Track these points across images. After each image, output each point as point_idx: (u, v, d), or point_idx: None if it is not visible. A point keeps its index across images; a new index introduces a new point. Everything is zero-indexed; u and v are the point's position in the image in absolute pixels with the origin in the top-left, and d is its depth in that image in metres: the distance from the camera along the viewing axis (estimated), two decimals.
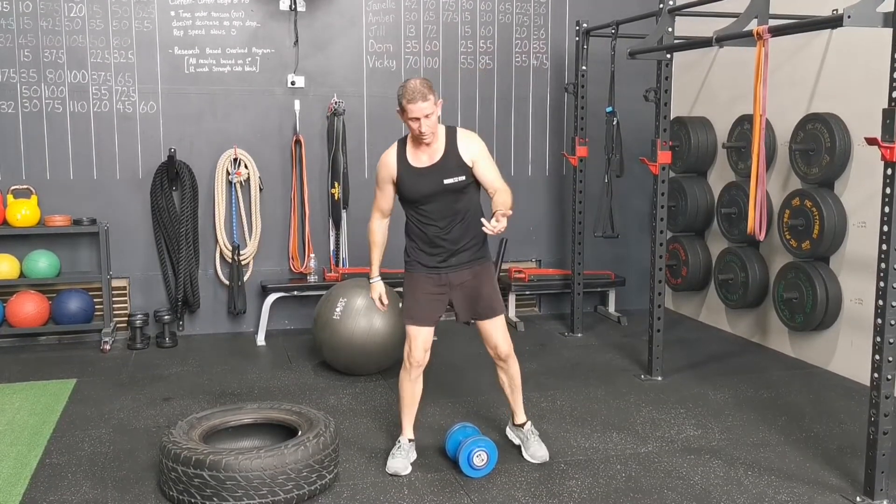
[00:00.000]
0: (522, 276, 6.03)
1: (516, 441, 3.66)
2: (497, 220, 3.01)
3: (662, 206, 4.69)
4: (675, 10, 4.44)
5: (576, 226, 5.71)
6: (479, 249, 3.44)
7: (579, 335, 5.75)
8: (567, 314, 5.96)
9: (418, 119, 3.18)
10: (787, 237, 4.92)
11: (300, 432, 3.32)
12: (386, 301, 3.62)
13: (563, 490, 3.31)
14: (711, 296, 5.92)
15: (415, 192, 3.33)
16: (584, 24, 5.49)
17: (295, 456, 3.12)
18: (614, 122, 5.25)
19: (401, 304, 3.64)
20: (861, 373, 4.59)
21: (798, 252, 4.87)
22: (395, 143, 3.41)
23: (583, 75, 5.54)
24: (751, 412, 4.20)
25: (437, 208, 3.33)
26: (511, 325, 5.95)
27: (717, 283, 5.63)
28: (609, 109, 5.23)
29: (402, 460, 3.45)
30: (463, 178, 3.30)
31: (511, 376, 3.57)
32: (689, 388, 4.57)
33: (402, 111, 3.22)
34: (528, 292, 6.15)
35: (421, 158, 3.32)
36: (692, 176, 5.99)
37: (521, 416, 3.65)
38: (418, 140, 3.27)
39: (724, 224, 5.57)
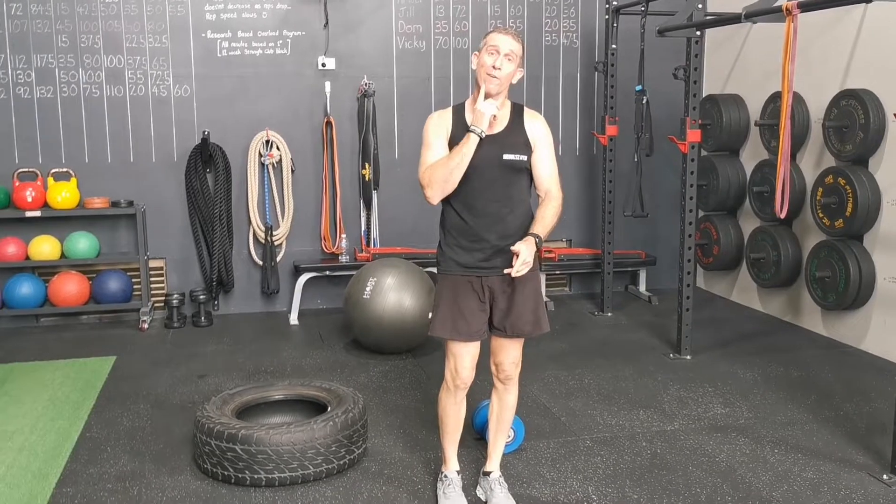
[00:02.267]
0: (552, 255, 6.04)
1: (480, 495, 3.06)
2: (519, 263, 2.62)
3: (692, 185, 4.66)
4: None
5: (605, 205, 5.70)
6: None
7: (609, 314, 5.76)
8: (597, 293, 5.97)
9: (498, 52, 2.69)
10: (820, 215, 4.87)
11: (329, 408, 3.40)
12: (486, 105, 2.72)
13: (588, 466, 3.34)
14: (743, 275, 5.88)
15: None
16: (614, 2, 5.44)
17: (324, 431, 3.20)
18: (644, 101, 5.21)
19: (430, 315, 3.00)
20: (895, 351, 4.55)
21: (831, 230, 4.81)
22: (451, 106, 2.90)
23: (612, 54, 5.51)
24: (780, 391, 4.18)
25: (487, 188, 2.79)
26: None
27: (749, 261, 5.59)
28: (638, 88, 5.20)
29: (457, 497, 2.97)
30: (524, 157, 2.80)
31: (505, 405, 3.02)
32: (718, 367, 4.56)
33: (482, 48, 2.74)
34: (557, 272, 6.17)
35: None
36: (724, 154, 5.93)
37: (493, 463, 3.06)
38: (484, 79, 2.72)
39: (755, 202, 5.52)
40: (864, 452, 3.43)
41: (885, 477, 3.19)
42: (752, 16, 3.64)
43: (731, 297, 6.13)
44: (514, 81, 2.79)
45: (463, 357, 2.87)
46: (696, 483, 3.18)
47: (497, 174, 2.77)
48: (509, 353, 2.94)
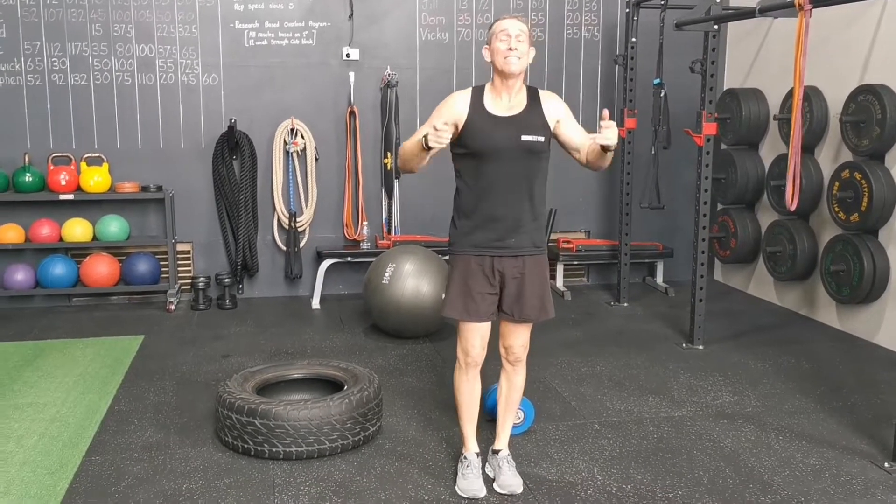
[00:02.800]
0: (570, 246, 6.13)
1: (489, 472, 3.15)
2: (605, 126, 2.64)
3: (707, 178, 4.72)
4: None
5: (623, 197, 5.77)
6: (540, 238, 2.97)
7: (625, 304, 5.83)
8: (614, 284, 6.04)
9: (509, 36, 2.77)
10: (836, 209, 4.90)
11: (346, 387, 3.53)
12: (443, 121, 2.80)
13: (595, 448, 3.44)
14: (760, 268, 5.92)
15: (486, 143, 2.83)
16: None
17: (340, 408, 3.33)
18: (662, 94, 5.26)
19: (443, 296, 3.11)
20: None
21: (846, 225, 4.85)
22: (470, 88, 2.96)
23: (632, 47, 5.57)
24: (789, 381, 4.25)
25: (505, 169, 2.84)
26: (559, 295, 6.08)
27: (766, 255, 5.63)
28: (657, 81, 5.26)
29: (475, 479, 3.03)
30: (542, 139, 2.86)
31: (513, 386, 3.12)
32: (729, 357, 4.63)
33: (490, 39, 2.84)
34: (575, 262, 6.25)
35: (499, 106, 2.87)
36: (743, 148, 5.97)
37: (502, 441, 3.16)
38: (503, 73, 2.82)
39: (773, 196, 5.56)
40: (869, 442, 3.50)
41: (886, 465, 3.26)
42: (765, 10, 3.70)
43: (748, 290, 6.18)
44: (530, 61, 2.87)
45: (473, 336, 2.97)
46: (699, 466, 3.27)
47: (515, 155, 2.84)
48: (518, 337, 3.04)
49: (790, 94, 5.36)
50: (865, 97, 4.68)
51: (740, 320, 5.43)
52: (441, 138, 2.70)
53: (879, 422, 3.68)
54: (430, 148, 2.75)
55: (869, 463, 3.30)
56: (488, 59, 2.88)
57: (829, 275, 4.97)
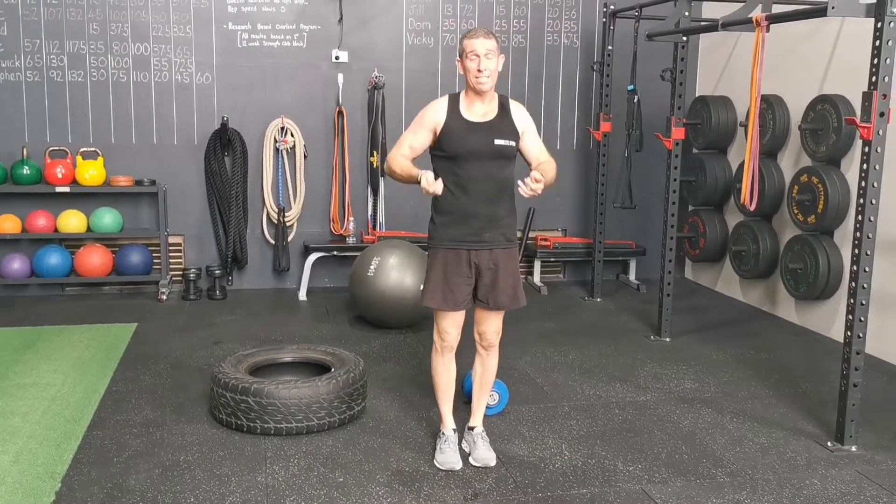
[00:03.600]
0: (547, 243, 6.41)
1: (465, 447, 3.38)
2: (533, 181, 2.91)
3: (675, 180, 5.01)
4: None
5: (598, 197, 6.05)
6: (511, 232, 3.22)
7: (598, 300, 6.12)
8: (589, 280, 6.32)
9: (477, 56, 3.00)
10: (795, 211, 5.21)
11: (333, 369, 3.78)
12: (440, 187, 3.01)
13: (564, 428, 3.71)
14: (727, 267, 6.23)
15: (462, 146, 3.06)
16: (611, 6, 5.80)
17: (327, 388, 3.58)
18: (635, 100, 5.56)
19: (421, 287, 3.34)
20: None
21: (804, 226, 5.16)
22: (447, 95, 3.18)
23: (609, 55, 5.86)
24: (747, 370, 4.54)
25: (479, 171, 3.08)
26: (535, 290, 6.35)
27: (731, 254, 5.94)
28: (630, 87, 5.55)
29: (452, 454, 3.27)
30: (513, 143, 3.12)
31: (489, 369, 3.36)
32: (693, 349, 4.92)
33: (462, 54, 3.06)
34: (552, 259, 6.53)
35: (474, 112, 3.11)
36: (713, 152, 6.27)
37: (477, 419, 3.41)
38: (475, 90, 3.07)
39: (739, 198, 5.86)
40: (816, 424, 3.79)
41: (829, 444, 3.55)
42: (727, 25, 3.98)
43: (716, 287, 6.49)
44: (500, 69, 3.11)
45: (449, 323, 3.23)
46: (658, 444, 3.55)
47: (488, 157, 3.10)
48: (491, 324, 3.29)
49: None
50: (823, 106, 4.99)
51: (706, 315, 5.73)
52: (432, 190, 2.96)
53: (826, 407, 3.97)
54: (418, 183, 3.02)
55: (814, 442, 3.59)
56: (461, 72, 3.13)
57: (788, 273, 5.28)
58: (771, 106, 5.49)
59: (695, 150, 6.41)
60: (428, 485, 3.14)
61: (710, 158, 6.20)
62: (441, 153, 3.15)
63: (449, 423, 3.39)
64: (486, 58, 3.03)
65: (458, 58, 3.14)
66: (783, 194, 5.48)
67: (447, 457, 3.29)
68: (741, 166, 5.85)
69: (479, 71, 3.03)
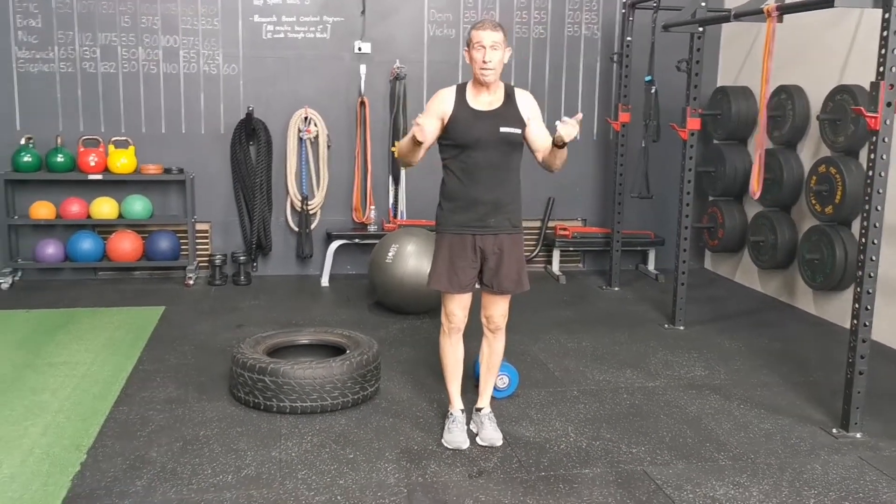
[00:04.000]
0: (566, 233, 6.47)
1: (473, 428, 3.48)
2: (576, 121, 2.97)
3: (690, 170, 5.04)
4: None
5: (616, 187, 6.10)
6: (516, 218, 3.30)
7: (616, 289, 6.17)
8: (608, 270, 6.37)
9: (483, 48, 3.08)
10: (813, 202, 5.22)
11: (347, 351, 3.90)
12: (427, 119, 3.13)
13: (571, 411, 3.80)
14: (746, 257, 6.24)
15: (468, 135, 3.17)
16: None
17: (341, 369, 3.70)
18: (653, 91, 5.59)
19: (428, 270, 3.42)
20: (875, 330, 4.89)
21: (822, 216, 5.17)
22: (455, 85, 3.30)
23: (627, 45, 5.90)
24: (759, 359, 4.58)
25: (485, 158, 3.18)
26: (554, 279, 6.43)
27: (750, 244, 5.95)
28: (648, 78, 5.59)
29: (459, 433, 3.38)
30: (519, 131, 3.19)
31: (494, 350, 3.45)
32: (707, 338, 4.97)
33: (469, 44, 3.15)
34: (571, 248, 6.59)
35: (481, 101, 3.20)
36: (733, 143, 6.28)
37: (484, 400, 3.51)
38: (479, 80, 3.16)
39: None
40: (823, 412, 3.83)
41: (834, 431, 3.60)
42: (739, 15, 4.02)
43: (735, 278, 6.50)
44: (506, 61, 3.20)
45: (455, 305, 3.35)
46: (663, 428, 3.62)
47: (494, 145, 3.18)
48: (497, 308, 3.38)
49: (775, 93, 5.67)
50: (842, 96, 4.99)
51: (723, 305, 5.76)
52: (424, 132, 3.05)
53: (836, 395, 3.97)
54: (420, 142, 3.11)
55: (819, 429, 3.64)
56: (468, 62, 3.21)
57: (805, 263, 5.30)
58: (791, 96, 5.49)
59: (714, 141, 6.42)
60: (434, 463, 3.25)
61: (730, 149, 6.21)
62: (448, 142, 3.24)
63: (457, 404, 3.50)
64: (492, 49, 3.10)
65: (465, 47, 3.22)
66: (802, 185, 5.49)
67: (454, 436, 3.39)
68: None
69: (484, 62, 3.11)
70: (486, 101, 3.22)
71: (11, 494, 2.92)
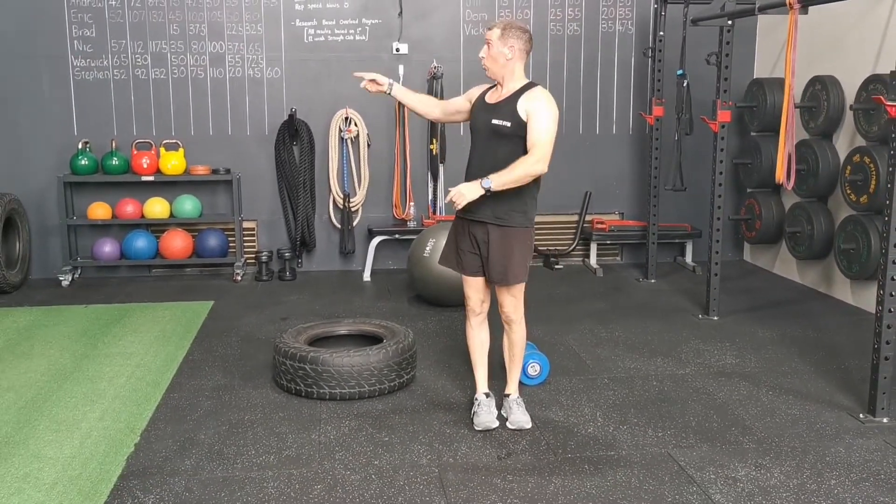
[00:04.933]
0: (603, 226, 6.56)
1: (504, 413, 3.60)
2: (452, 192, 3.21)
3: (722, 162, 5.09)
4: None
5: (652, 180, 6.17)
6: (504, 211, 3.33)
7: (653, 281, 6.24)
8: (645, 263, 6.44)
9: (486, 44, 3.39)
10: (848, 192, 5.22)
11: (384, 340, 4.08)
12: (366, 78, 3.74)
13: (601, 397, 3.91)
14: (784, 248, 6.25)
15: (472, 123, 3.48)
16: None
17: (378, 357, 3.87)
18: (685, 84, 5.65)
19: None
20: None
21: (857, 206, 5.17)
22: (485, 85, 3.55)
23: (660, 40, 5.96)
24: (792, 347, 4.63)
25: (480, 147, 3.40)
26: (591, 272, 6.52)
27: (787, 235, 5.97)
28: (680, 72, 5.64)
29: (486, 415, 3.51)
30: (508, 124, 3.28)
31: (513, 342, 3.57)
32: (740, 327, 5.02)
33: None
34: (608, 242, 6.67)
35: (493, 96, 3.43)
36: (769, 135, 6.28)
37: (511, 387, 3.63)
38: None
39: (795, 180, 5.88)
40: (852, 398, 3.87)
41: (861, 416, 3.65)
42: (763, 8, 4.07)
43: (774, 269, 6.51)
44: (509, 56, 3.31)
45: (469, 287, 3.56)
46: (690, 413, 3.71)
47: (487, 135, 3.38)
48: (503, 297, 3.49)
49: (810, 84, 5.68)
50: (875, 86, 4.99)
51: (759, 296, 5.79)
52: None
53: (866, 382, 3.98)
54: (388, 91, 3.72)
55: (846, 414, 3.69)
56: None
57: (841, 253, 5.30)
58: (825, 87, 5.50)
59: (751, 133, 6.44)
60: (465, 445, 3.40)
61: (766, 141, 6.22)
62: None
63: (481, 388, 3.66)
64: (487, 46, 3.37)
65: None
66: (837, 175, 5.49)
67: (482, 418, 3.54)
68: (796, 148, 5.90)
69: (481, 57, 3.42)
70: (496, 95, 3.43)
71: (71, 473, 3.16)
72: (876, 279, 5.10)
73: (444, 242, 3.64)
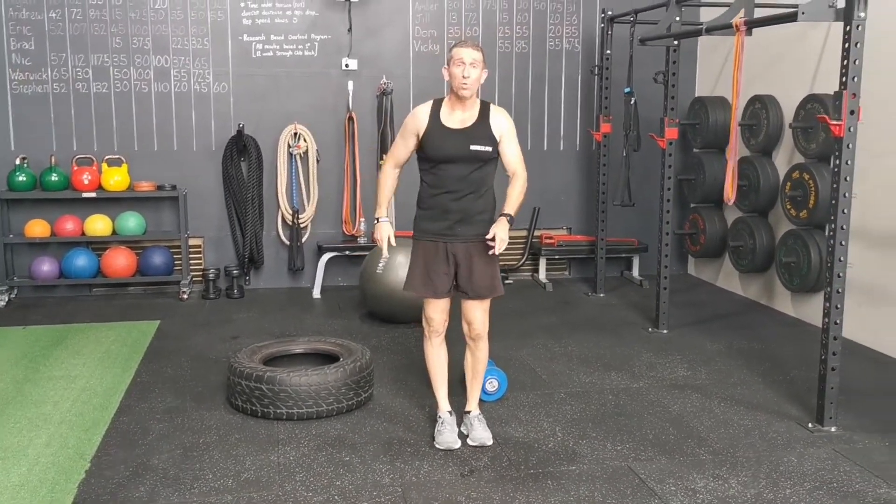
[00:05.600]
0: (552, 241, 6.63)
1: (464, 430, 3.60)
2: (496, 244, 3.23)
3: (670, 178, 5.21)
4: (683, 1, 4.95)
5: (600, 196, 6.27)
6: (486, 227, 3.37)
7: (601, 295, 6.33)
8: (593, 277, 6.53)
9: (463, 64, 3.22)
10: (788, 207, 5.40)
11: (341, 359, 4.03)
12: (393, 244, 3.53)
13: (559, 412, 3.94)
14: (727, 262, 6.41)
15: (440, 151, 3.33)
16: (609, 12, 6.02)
17: (335, 376, 3.83)
18: (632, 102, 5.77)
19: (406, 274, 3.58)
20: (850, 329, 5.06)
21: (797, 220, 5.34)
22: (431, 101, 3.42)
23: (607, 59, 6.08)
24: (739, 359, 4.74)
25: (456, 172, 3.34)
26: (540, 286, 6.58)
27: (730, 249, 6.13)
28: (627, 90, 5.76)
29: (449, 434, 3.51)
30: (490, 148, 3.34)
31: (477, 359, 3.57)
32: (689, 340, 5.12)
33: (449, 61, 3.28)
34: (556, 256, 6.75)
35: (453, 119, 3.34)
36: (712, 151, 6.47)
37: (472, 403, 3.64)
38: (457, 96, 3.31)
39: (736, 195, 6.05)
40: (800, 408, 3.99)
41: (810, 425, 3.75)
42: (711, 30, 4.19)
43: (717, 282, 6.68)
44: (482, 81, 3.37)
45: (433, 309, 3.50)
46: (647, 426, 3.77)
47: (465, 161, 3.35)
48: (476, 313, 3.49)
49: (750, 103, 5.86)
50: (813, 105, 5.18)
51: (705, 309, 5.93)
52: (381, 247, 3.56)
53: (812, 392, 4.12)
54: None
55: (796, 424, 3.79)
56: (447, 79, 3.36)
57: (783, 266, 5.47)
58: (765, 105, 5.69)
59: (694, 150, 6.61)
60: (427, 463, 3.38)
61: (709, 157, 6.40)
62: (423, 154, 3.44)
63: (444, 406, 3.64)
64: (472, 66, 3.26)
65: (445, 66, 3.36)
66: (777, 190, 5.67)
67: (445, 437, 3.53)
68: (737, 164, 6.08)
69: (463, 77, 3.26)
70: (458, 118, 3.36)
71: (21, 501, 3.03)
72: (816, 291, 5.32)
73: (409, 269, 3.52)
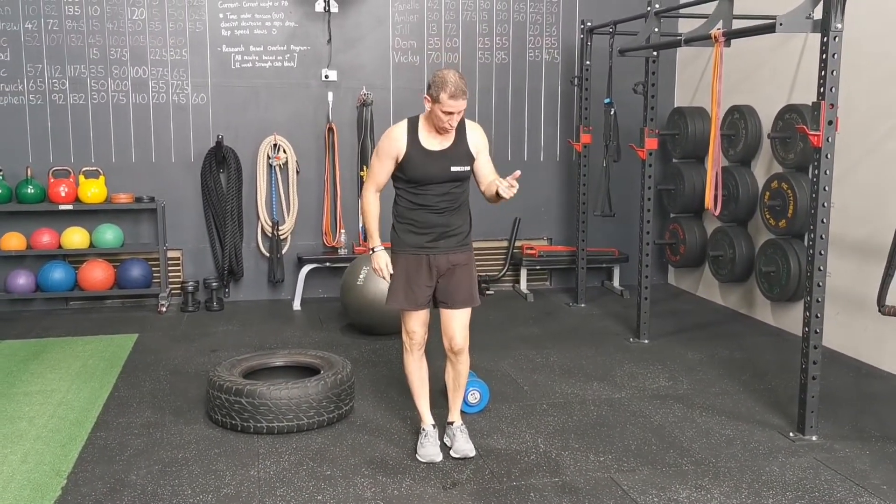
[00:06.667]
0: (533, 251, 6.63)
1: (446, 441, 3.61)
2: (514, 180, 3.22)
3: (650, 188, 5.23)
4: (662, 13, 4.98)
5: (580, 206, 6.28)
6: (466, 237, 3.49)
7: (583, 305, 6.33)
8: (574, 287, 6.54)
9: (452, 114, 3.27)
10: (767, 216, 5.44)
11: (322, 371, 4.00)
12: (391, 271, 3.49)
13: (541, 423, 3.93)
14: (707, 272, 6.44)
15: (421, 173, 3.36)
16: (588, 23, 6.06)
17: (316, 389, 3.80)
18: (612, 112, 5.80)
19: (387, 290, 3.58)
20: (829, 338, 5.09)
21: (776, 230, 5.38)
22: (406, 121, 3.42)
23: (587, 69, 6.11)
24: (720, 369, 4.76)
25: (437, 192, 3.39)
26: (521, 297, 6.58)
27: (710, 259, 6.16)
28: (607, 101, 5.79)
29: (432, 447, 3.50)
30: (468, 168, 3.42)
31: (458, 373, 3.58)
32: (670, 350, 5.13)
33: (435, 101, 3.24)
34: (537, 267, 6.75)
35: (433, 142, 3.37)
36: (691, 161, 6.51)
37: (454, 415, 3.64)
38: (437, 128, 3.34)
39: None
40: (781, 417, 4.00)
41: (791, 434, 3.76)
42: (689, 41, 4.22)
43: (697, 292, 6.70)
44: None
45: (414, 321, 3.51)
46: (629, 437, 3.76)
47: (446, 181, 3.41)
48: (457, 324, 3.49)
49: (729, 112, 5.91)
50: (791, 115, 5.22)
51: (686, 318, 5.95)
52: (383, 276, 3.53)
53: (793, 401, 4.15)
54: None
55: (777, 433, 3.80)
56: (428, 108, 3.31)
57: (762, 275, 5.50)
58: (743, 116, 5.73)
59: (673, 160, 6.65)
60: (409, 476, 3.35)
61: (688, 167, 6.44)
62: (402, 175, 3.44)
63: (427, 419, 3.61)
64: (458, 114, 3.31)
65: (427, 96, 3.29)
66: (756, 200, 5.71)
67: (427, 450, 3.51)
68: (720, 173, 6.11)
69: (449, 124, 3.31)
70: (436, 141, 3.39)
71: None
72: (795, 301, 5.36)
73: (391, 283, 3.51)
